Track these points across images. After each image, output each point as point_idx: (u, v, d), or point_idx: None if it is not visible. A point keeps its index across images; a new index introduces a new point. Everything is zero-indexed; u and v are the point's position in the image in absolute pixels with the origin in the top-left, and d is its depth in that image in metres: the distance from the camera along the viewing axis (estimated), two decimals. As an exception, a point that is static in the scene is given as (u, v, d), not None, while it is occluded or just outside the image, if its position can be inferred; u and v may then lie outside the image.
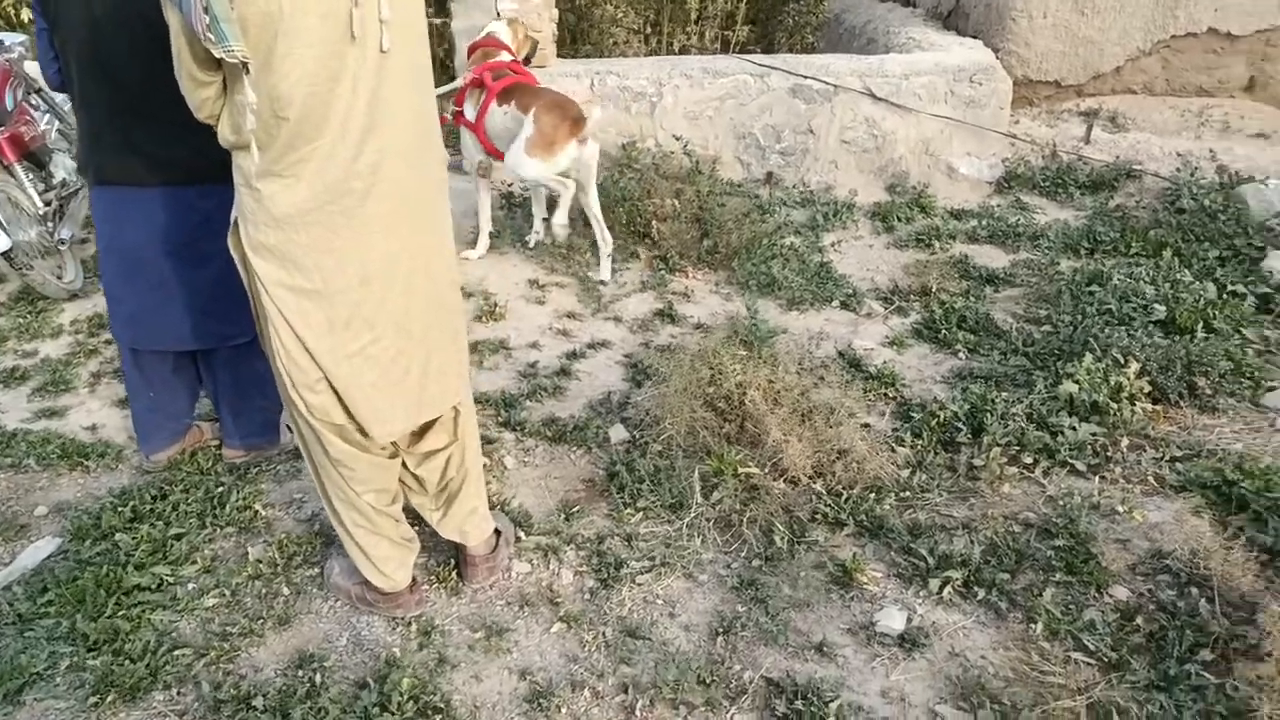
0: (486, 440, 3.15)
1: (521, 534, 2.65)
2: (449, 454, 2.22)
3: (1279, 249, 4.11)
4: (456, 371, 2.06)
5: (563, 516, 2.77)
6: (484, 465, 2.97)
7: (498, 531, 2.50)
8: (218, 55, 1.55)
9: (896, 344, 3.83)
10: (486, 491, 2.82)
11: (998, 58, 5.53)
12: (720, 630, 2.32)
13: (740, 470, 2.86)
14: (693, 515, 2.73)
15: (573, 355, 3.77)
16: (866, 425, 3.21)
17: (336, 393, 1.93)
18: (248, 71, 1.60)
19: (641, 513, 2.77)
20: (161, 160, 2.43)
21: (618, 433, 3.20)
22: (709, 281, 4.47)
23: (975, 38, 5.85)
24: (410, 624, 2.33)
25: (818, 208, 5.08)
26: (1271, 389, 3.21)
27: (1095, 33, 5.45)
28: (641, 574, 2.52)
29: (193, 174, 2.40)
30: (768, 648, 2.26)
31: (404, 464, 2.22)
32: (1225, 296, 3.77)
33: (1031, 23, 5.50)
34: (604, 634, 2.31)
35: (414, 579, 2.37)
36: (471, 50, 4.42)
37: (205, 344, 2.73)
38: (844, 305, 4.18)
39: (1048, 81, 5.64)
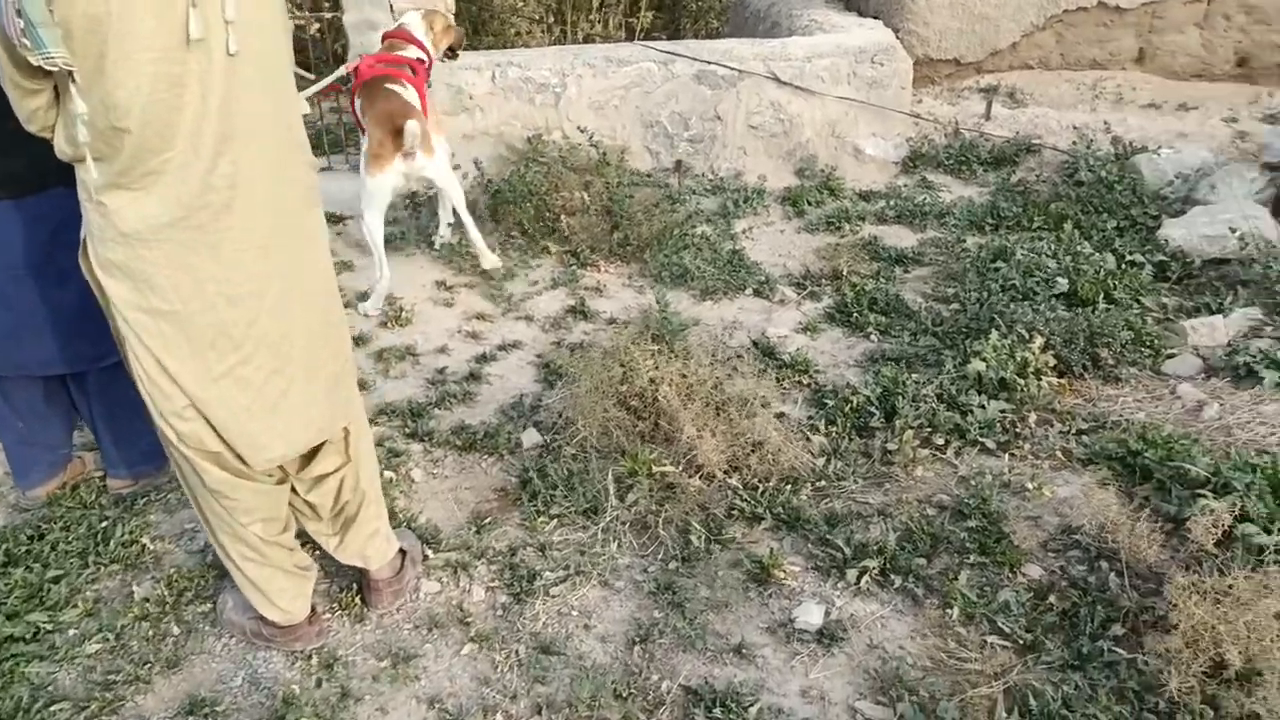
0: (393, 453, 3.03)
1: (429, 551, 2.55)
2: (342, 476, 2.10)
3: (1173, 217, 4.21)
4: (344, 391, 1.94)
5: (474, 529, 2.67)
6: (390, 480, 2.86)
7: (403, 551, 2.39)
8: (35, 63, 1.41)
9: (810, 330, 3.81)
10: (391, 509, 2.71)
11: (898, 37, 5.56)
12: (637, 639, 2.26)
13: (655, 469, 2.80)
14: (608, 519, 2.65)
15: (483, 358, 3.66)
16: (781, 415, 3.18)
17: (208, 418, 1.80)
18: (74, 80, 1.46)
19: (555, 520, 2.69)
20: None
21: (530, 437, 3.11)
22: (621, 275, 4.40)
23: (876, 18, 5.87)
24: (311, 657, 2.21)
25: (728, 194, 5.04)
26: (1171, 356, 3.28)
27: (991, 9, 5.51)
28: (556, 585, 2.44)
29: (33, 183, 2.20)
30: (686, 654, 2.21)
31: (294, 489, 2.10)
32: (1124, 266, 3.84)
33: (929, 1, 5.54)
34: (517, 652, 2.23)
35: (313, 608, 2.25)
36: (383, 40, 4.25)
37: (74, 367, 2.54)
38: (757, 293, 4.15)
39: (947, 60, 5.70)
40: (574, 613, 2.36)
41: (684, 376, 3.07)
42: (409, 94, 3.88)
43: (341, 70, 3.99)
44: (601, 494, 2.72)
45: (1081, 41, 5.59)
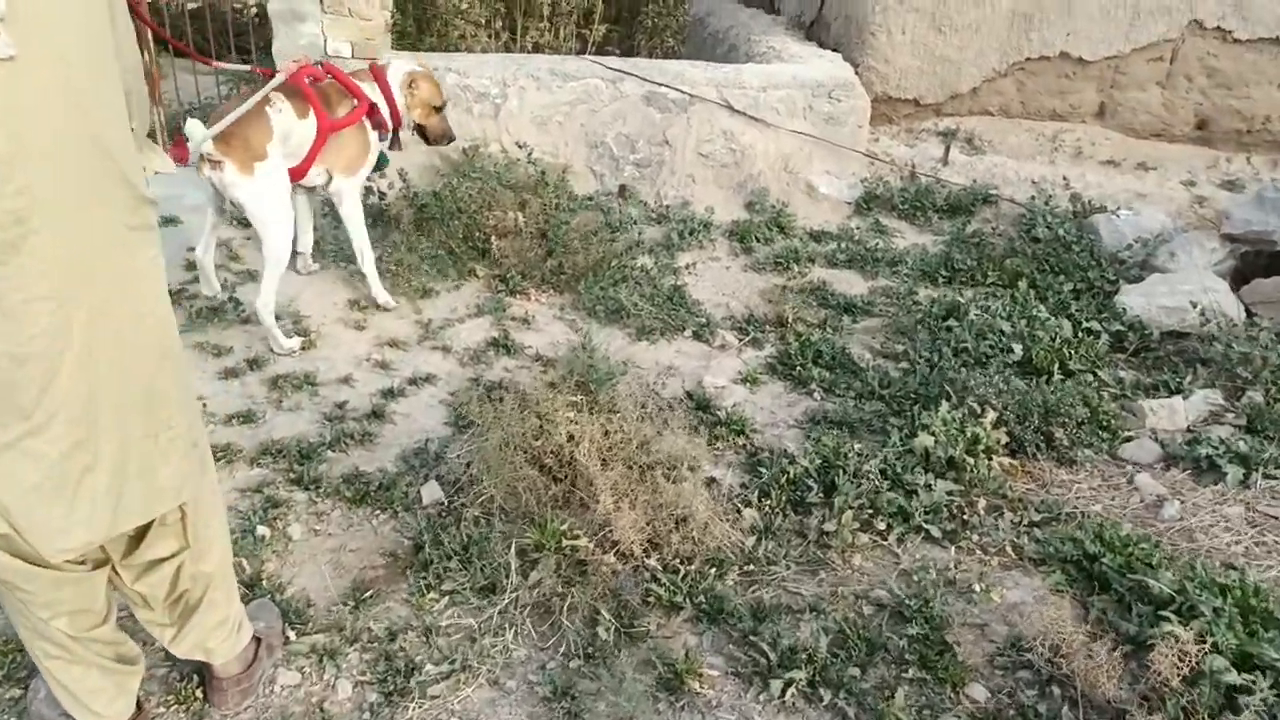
0: (272, 503, 2.67)
1: (292, 633, 2.20)
2: (179, 563, 1.75)
3: (1131, 282, 4.05)
4: (178, 465, 1.59)
5: (351, 604, 2.33)
6: (262, 538, 2.51)
7: (257, 639, 2.03)
8: None
9: (750, 381, 3.54)
10: (257, 574, 2.36)
11: (858, 73, 5.36)
12: (525, 757, 1.94)
13: (565, 543, 2.49)
14: (506, 601, 2.33)
15: (389, 393, 3.31)
16: (712, 480, 2.90)
17: None
18: None
19: (447, 598, 2.36)
20: None
21: (431, 492, 2.77)
22: (553, 305, 4.08)
23: (836, 50, 5.66)
24: (131, 769, 1.85)
25: (674, 225, 4.76)
26: (1128, 439, 3.08)
27: (953, 51, 5.34)
28: (437, 682, 2.11)
29: None
30: (580, 780, 1.90)
31: (119, 573, 1.74)
32: (1080, 334, 3.65)
33: (890, 39, 5.34)
34: (381, 770, 1.89)
35: (139, 704, 1.88)
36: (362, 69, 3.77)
37: None
38: (697, 335, 3.87)
39: (907, 99, 5.51)
40: (454, 719, 2.03)
41: (607, 434, 2.77)
42: (282, 116, 3.32)
43: (279, 79, 3.38)
44: (501, 570, 2.40)
45: (1043, 91, 5.44)
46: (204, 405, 3.15)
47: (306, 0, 4.59)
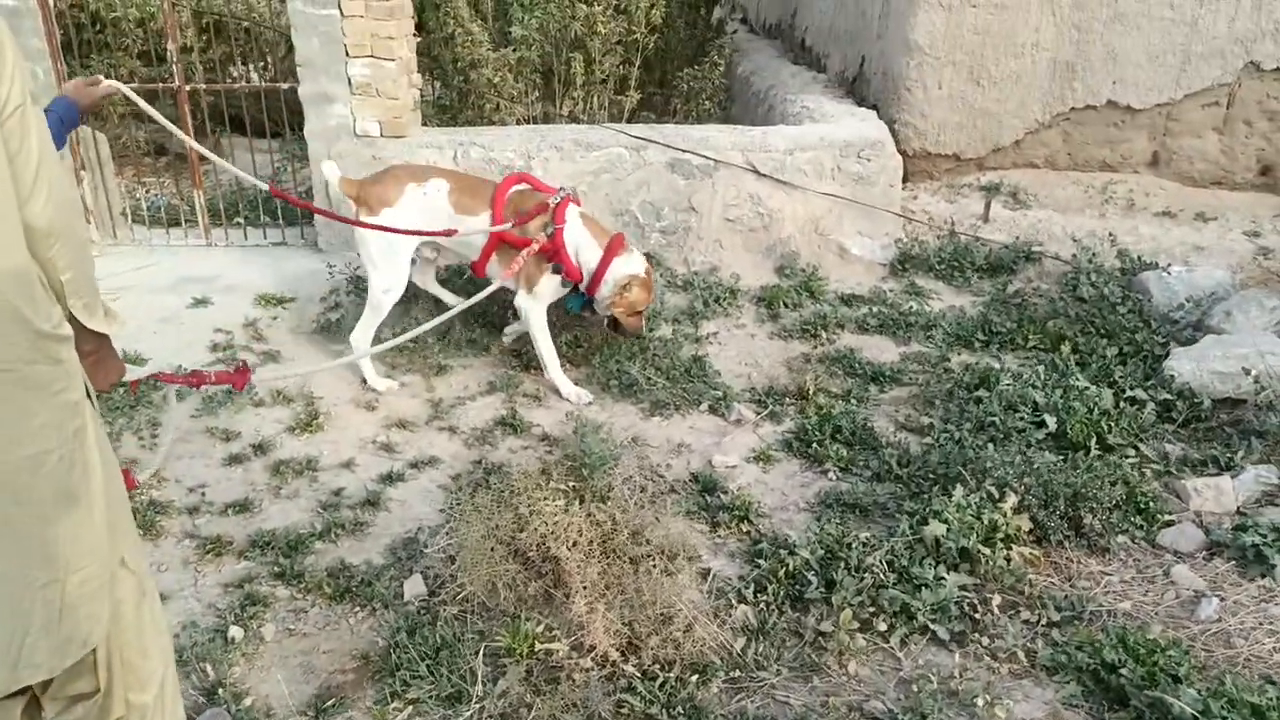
0: (251, 601, 2.62)
1: (243, 750, 2.12)
2: (103, 700, 1.68)
3: (1182, 345, 3.76)
4: (88, 609, 1.52)
5: (311, 715, 2.24)
6: (232, 640, 2.45)
7: (200, 757, 1.95)
8: None
9: (763, 459, 3.39)
10: (220, 680, 2.29)
11: (894, 129, 5.21)
12: None
13: (539, 646, 2.36)
14: (470, 712, 2.21)
15: (389, 478, 3.26)
16: (708, 572, 2.74)
17: None
18: None
19: (411, 708, 2.26)
20: None
21: (413, 586, 2.69)
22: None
23: (874, 107, 5.53)
24: None
25: (698, 291, 4.65)
26: (1168, 524, 2.81)
27: (993, 104, 5.16)
28: (387, 804, 1.99)
29: None
30: None
31: (41, 704, 1.67)
32: (1123, 405, 3.39)
33: (927, 93, 5.19)
34: None
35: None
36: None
37: None
38: (713, 410, 3.74)
39: (946, 155, 5.33)
40: None
41: (597, 525, 2.65)
42: (427, 198, 3.76)
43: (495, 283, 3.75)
44: (469, 677, 2.28)
45: (1091, 142, 5.20)
46: (203, 494, 3.15)
47: (336, 83, 4.70)
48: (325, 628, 2.57)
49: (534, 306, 3.81)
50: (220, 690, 2.27)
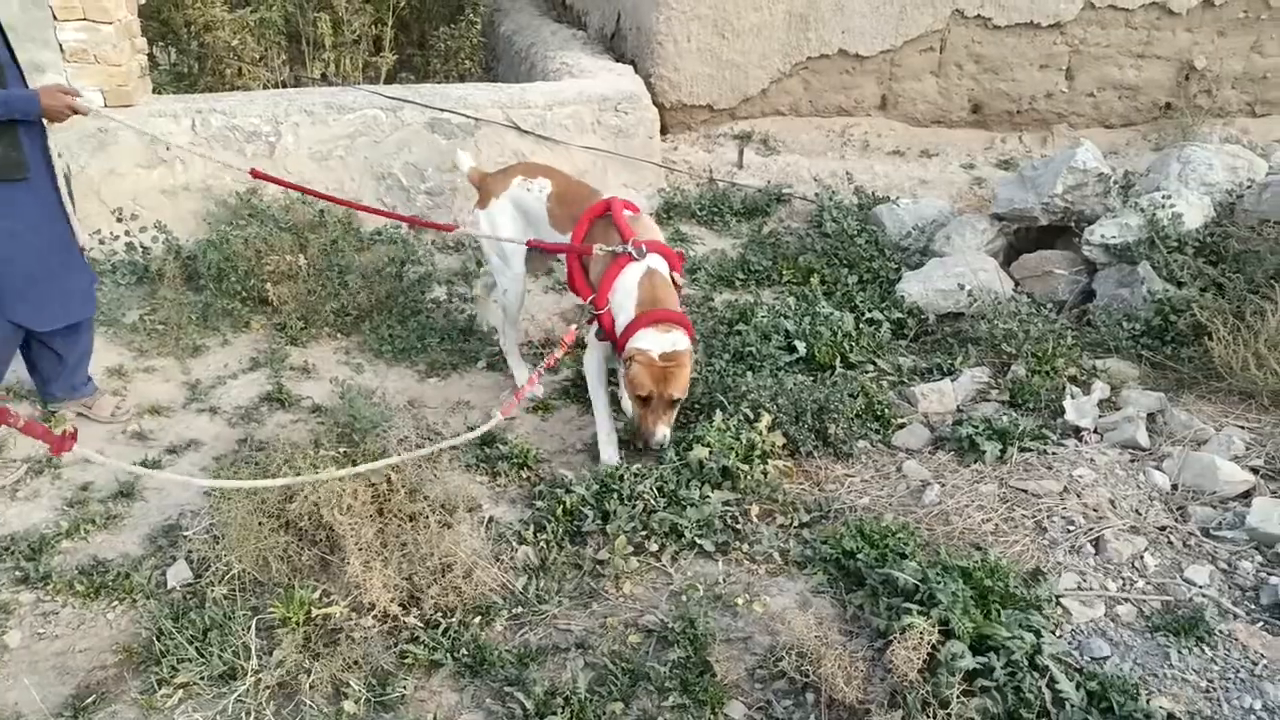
0: (-10, 610, 2.41)
1: (-10, 763, 1.97)
2: None
3: (912, 269, 4.16)
4: None
5: (69, 714, 2.10)
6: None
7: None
8: None
9: (542, 409, 3.46)
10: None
11: (651, 82, 5.37)
12: None
13: (316, 612, 2.33)
14: (244, 687, 2.16)
15: (143, 466, 3.06)
16: (491, 520, 2.79)
17: None
18: None
19: (182, 691, 2.17)
20: None
21: (178, 573, 2.56)
22: (337, 350, 3.89)
23: (632, 62, 5.67)
24: None
25: (470, 252, 4.64)
26: (901, 425, 3.14)
27: (738, 55, 5.42)
28: (159, 791, 1.92)
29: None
30: None
31: None
32: (862, 326, 3.72)
33: (678, 46, 5.38)
34: None
35: None
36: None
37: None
38: (491, 367, 3.76)
39: (700, 106, 5.56)
40: (175, 831, 1.85)
41: (371, 486, 2.62)
42: (529, 195, 3.42)
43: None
44: (241, 652, 2.22)
45: (828, 89, 5.58)
46: (-78, 507, 2.84)
47: (45, 50, 4.25)
48: (80, 627, 2.41)
49: (587, 354, 3.33)
50: (-43, 707, 2.09)
